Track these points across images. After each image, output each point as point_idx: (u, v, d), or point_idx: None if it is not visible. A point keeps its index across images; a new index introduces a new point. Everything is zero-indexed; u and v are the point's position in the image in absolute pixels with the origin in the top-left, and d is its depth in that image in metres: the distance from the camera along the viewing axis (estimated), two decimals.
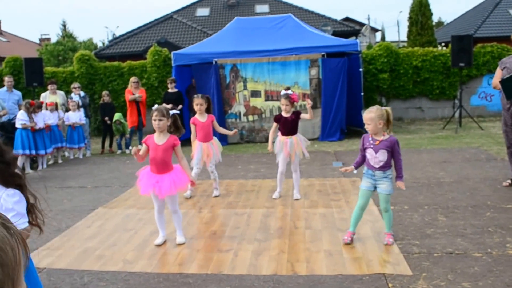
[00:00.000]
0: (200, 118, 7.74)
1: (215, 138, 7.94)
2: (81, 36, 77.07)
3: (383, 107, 5.11)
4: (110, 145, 13.46)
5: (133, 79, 13.65)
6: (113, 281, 4.65)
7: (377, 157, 5.08)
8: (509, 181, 7.51)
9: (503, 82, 7.24)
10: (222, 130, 8.24)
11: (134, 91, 13.40)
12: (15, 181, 2.77)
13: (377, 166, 5.12)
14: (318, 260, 4.95)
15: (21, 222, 2.73)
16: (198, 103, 7.68)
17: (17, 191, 2.77)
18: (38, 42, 46.88)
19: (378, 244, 5.28)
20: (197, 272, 4.80)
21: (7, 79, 12.41)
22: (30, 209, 2.84)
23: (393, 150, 5.09)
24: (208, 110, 7.80)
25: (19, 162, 10.62)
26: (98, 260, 5.23)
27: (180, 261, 5.10)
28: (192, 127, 7.79)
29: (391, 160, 5.15)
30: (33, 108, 10.94)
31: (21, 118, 10.63)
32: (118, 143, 13.27)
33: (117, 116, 13.05)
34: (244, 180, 8.91)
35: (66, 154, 12.78)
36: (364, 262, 4.82)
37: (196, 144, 7.75)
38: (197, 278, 4.64)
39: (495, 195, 6.99)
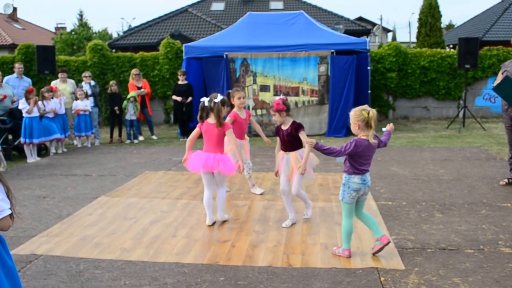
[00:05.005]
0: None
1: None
2: (97, 26, 77.44)
3: (369, 109, 4.64)
4: (120, 135, 13.55)
5: (134, 71, 13.80)
6: (109, 269, 4.69)
7: None
8: (506, 180, 7.61)
9: (496, 89, 7.24)
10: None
11: (136, 84, 13.53)
12: None
13: None
14: (314, 253, 4.99)
15: (6, 208, 2.81)
16: (240, 96, 7.07)
17: None
18: (53, 30, 47.10)
19: (373, 239, 5.27)
20: (193, 262, 4.84)
21: (17, 66, 12.52)
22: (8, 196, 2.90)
23: None
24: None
25: (26, 150, 10.71)
26: (95, 248, 5.28)
27: (177, 251, 5.14)
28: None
29: (346, 165, 4.75)
30: (43, 95, 11.07)
31: (22, 107, 10.68)
32: (128, 132, 13.33)
33: (133, 93, 13.20)
34: None
35: (75, 142, 12.86)
36: (359, 256, 4.86)
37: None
38: (193, 268, 4.68)
39: (491, 193, 7.09)
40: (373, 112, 4.60)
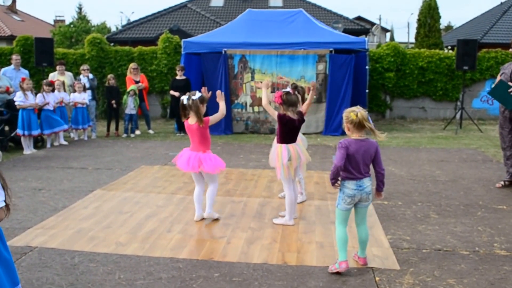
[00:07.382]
0: None
1: None
2: (96, 19, 77.26)
3: (358, 110, 4.37)
4: (116, 128, 13.52)
5: (132, 65, 13.77)
6: (104, 263, 4.68)
7: None
8: (502, 182, 7.63)
9: (491, 93, 7.26)
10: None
11: (134, 78, 13.52)
12: None
13: None
14: (309, 251, 4.99)
15: (0, 200, 2.77)
16: None
17: None
18: (52, 23, 46.93)
19: (369, 238, 5.28)
20: (187, 257, 4.83)
21: (14, 57, 12.47)
22: (4, 188, 2.86)
23: None
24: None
25: (22, 142, 10.66)
26: (90, 241, 5.26)
27: (172, 246, 5.13)
28: None
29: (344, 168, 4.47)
30: (44, 88, 11.07)
31: (17, 100, 10.64)
32: (125, 126, 13.31)
33: (133, 87, 13.18)
34: (245, 169, 8.97)
35: (71, 135, 12.82)
36: None
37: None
38: (187, 264, 4.67)
39: (487, 196, 7.11)
40: (361, 114, 4.35)
